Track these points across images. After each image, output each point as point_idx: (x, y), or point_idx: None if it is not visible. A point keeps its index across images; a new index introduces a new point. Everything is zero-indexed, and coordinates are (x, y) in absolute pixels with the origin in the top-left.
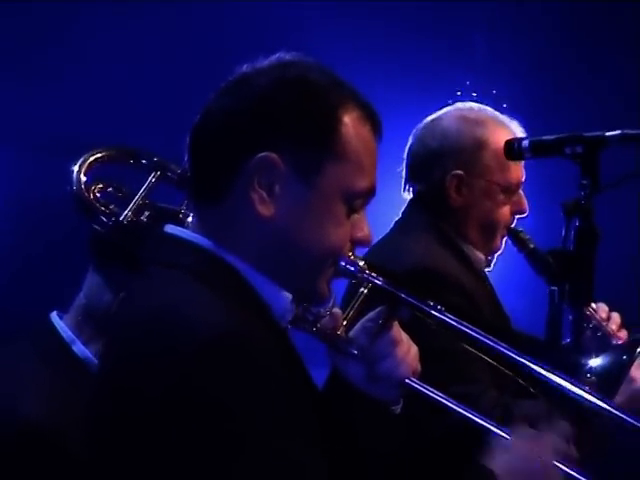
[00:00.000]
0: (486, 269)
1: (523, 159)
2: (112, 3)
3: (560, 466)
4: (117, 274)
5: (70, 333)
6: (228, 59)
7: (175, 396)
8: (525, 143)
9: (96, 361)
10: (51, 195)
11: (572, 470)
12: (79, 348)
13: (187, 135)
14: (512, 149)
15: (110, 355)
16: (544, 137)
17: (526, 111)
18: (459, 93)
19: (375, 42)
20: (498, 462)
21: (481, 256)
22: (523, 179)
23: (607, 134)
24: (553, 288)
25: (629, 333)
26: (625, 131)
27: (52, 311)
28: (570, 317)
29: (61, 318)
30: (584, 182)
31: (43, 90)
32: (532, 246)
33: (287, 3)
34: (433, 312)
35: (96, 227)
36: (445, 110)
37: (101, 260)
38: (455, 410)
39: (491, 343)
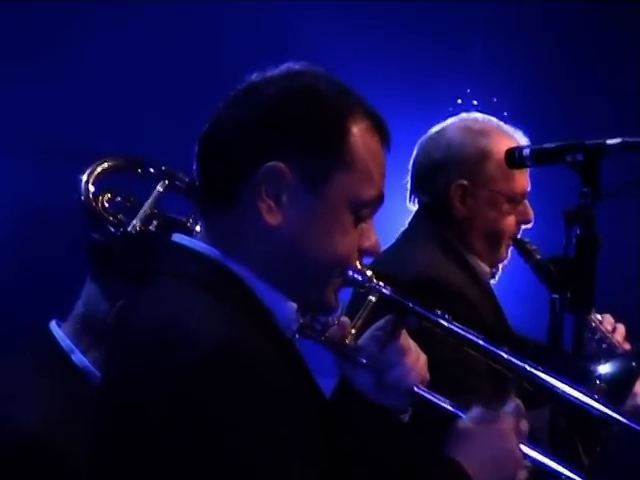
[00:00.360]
0: (491, 281)
1: (524, 167)
2: (115, 3)
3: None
4: (114, 283)
5: (69, 342)
6: (232, 61)
7: (176, 404)
8: (526, 151)
9: (95, 370)
10: (51, 201)
11: (535, 450)
12: (78, 357)
13: (195, 143)
14: (513, 157)
15: (114, 363)
16: (545, 145)
17: (527, 118)
18: (459, 101)
19: (374, 44)
20: (463, 449)
21: (486, 268)
22: (528, 189)
23: (608, 142)
24: (554, 296)
25: (631, 345)
26: (626, 139)
27: (51, 319)
28: (571, 325)
29: (60, 327)
30: (585, 190)
31: (43, 94)
32: (538, 257)
33: (287, 5)
34: (441, 321)
35: (93, 235)
36: (450, 121)
37: (98, 269)
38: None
39: (499, 352)
